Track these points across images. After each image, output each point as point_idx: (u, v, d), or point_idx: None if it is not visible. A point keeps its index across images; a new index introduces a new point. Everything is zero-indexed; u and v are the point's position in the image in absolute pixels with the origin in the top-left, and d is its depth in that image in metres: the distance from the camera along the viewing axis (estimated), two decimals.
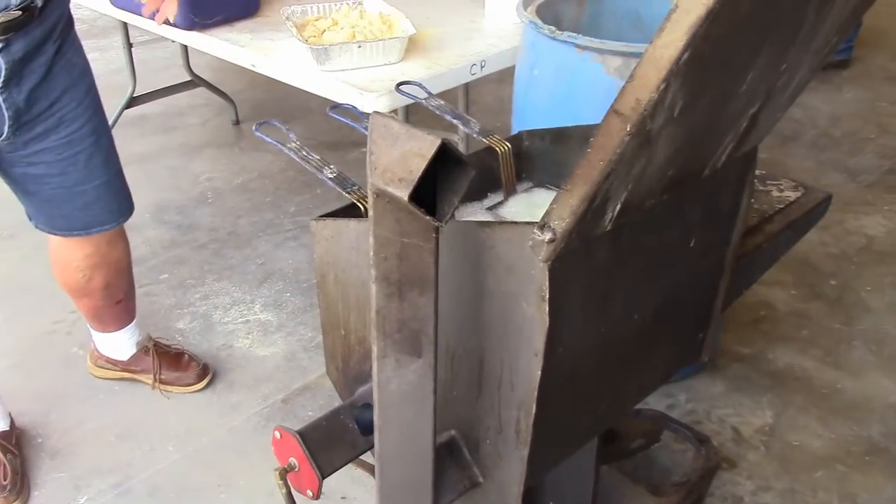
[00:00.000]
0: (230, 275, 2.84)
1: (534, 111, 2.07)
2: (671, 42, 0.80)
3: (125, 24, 3.40)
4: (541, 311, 1.04)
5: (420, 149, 0.88)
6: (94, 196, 1.92)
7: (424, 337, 1.06)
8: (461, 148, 2.53)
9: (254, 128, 1.46)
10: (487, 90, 3.87)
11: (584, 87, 1.91)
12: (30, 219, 1.98)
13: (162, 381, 2.30)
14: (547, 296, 1.03)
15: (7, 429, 2.10)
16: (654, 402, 2.20)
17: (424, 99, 1.61)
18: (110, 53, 4.49)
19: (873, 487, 2.00)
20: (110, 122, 3.45)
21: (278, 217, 3.18)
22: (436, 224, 0.92)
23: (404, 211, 0.94)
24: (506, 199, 1.53)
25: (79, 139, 1.85)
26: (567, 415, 1.25)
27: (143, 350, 2.31)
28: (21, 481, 2.02)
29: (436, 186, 0.92)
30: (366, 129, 0.94)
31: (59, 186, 1.87)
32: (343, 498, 1.98)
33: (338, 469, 1.33)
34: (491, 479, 1.26)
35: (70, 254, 2.02)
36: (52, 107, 1.78)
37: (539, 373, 1.09)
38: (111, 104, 3.47)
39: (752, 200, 1.63)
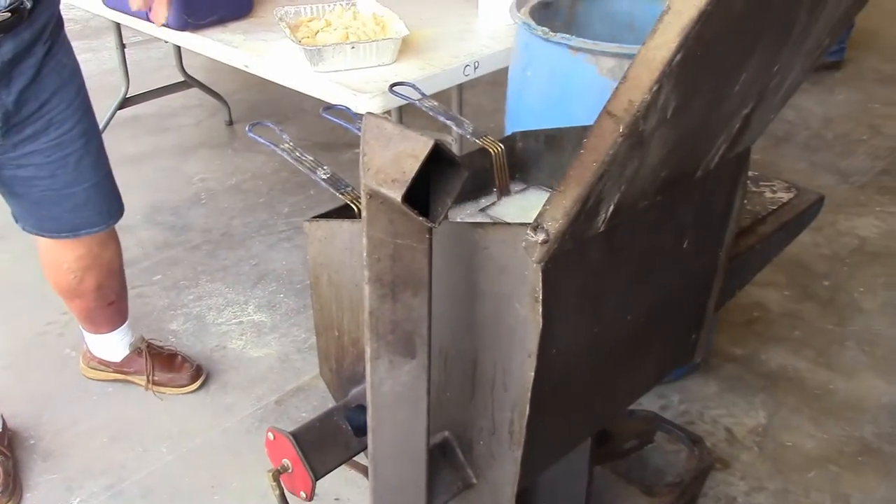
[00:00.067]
0: (224, 276, 2.84)
1: (527, 112, 2.07)
2: (664, 43, 0.81)
3: (118, 25, 3.39)
4: (534, 312, 1.04)
5: (413, 150, 0.88)
6: (83, 198, 1.91)
7: (418, 338, 1.06)
8: (455, 149, 2.53)
9: (247, 129, 1.46)
10: (481, 91, 3.87)
11: (578, 88, 1.91)
12: (16, 220, 1.97)
13: (155, 383, 2.29)
14: (540, 297, 1.03)
15: None
16: (648, 402, 2.20)
17: (418, 100, 1.61)
18: (103, 54, 4.48)
19: (866, 488, 2.01)
20: (103, 123, 3.46)
21: (272, 218, 3.17)
22: (429, 225, 0.92)
23: (397, 212, 0.94)
24: (499, 200, 1.53)
25: (69, 141, 1.84)
26: (560, 416, 1.25)
27: (135, 351, 2.30)
28: (13, 483, 2.01)
29: (429, 187, 0.92)
30: (359, 130, 0.94)
31: (49, 189, 1.86)
32: (337, 499, 1.98)
33: (331, 470, 1.33)
34: (484, 479, 1.26)
35: (61, 255, 2.02)
36: (42, 108, 1.78)
37: (532, 374, 1.09)
38: (104, 105, 3.48)
39: (745, 201, 1.64)
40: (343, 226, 1.30)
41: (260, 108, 4.07)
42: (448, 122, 1.57)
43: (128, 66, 3.60)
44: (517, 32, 2.09)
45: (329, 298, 1.39)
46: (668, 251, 1.29)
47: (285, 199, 3.29)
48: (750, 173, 1.44)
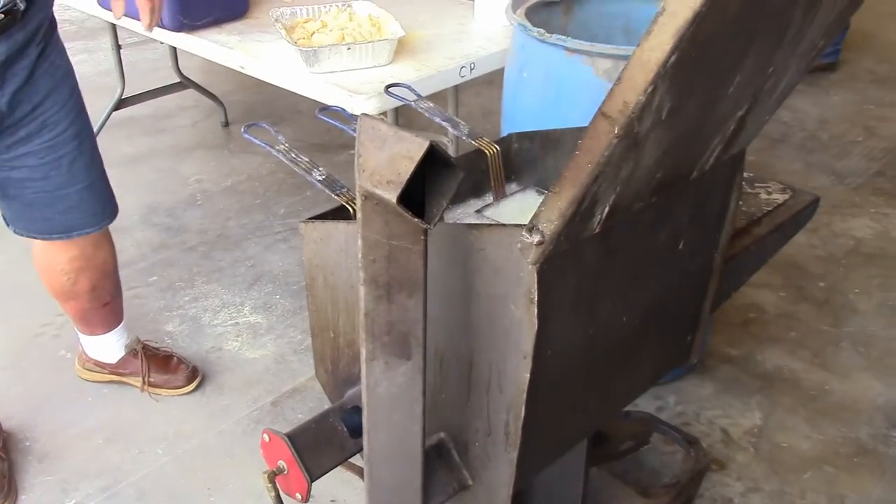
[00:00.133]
0: (219, 277, 2.83)
1: (523, 114, 2.07)
2: (658, 45, 0.81)
3: (114, 26, 3.39)
4: (529, 314, 1.05)
5: (408, 151, 0.88)
6: (76, 200, 1.91)
7: (413, 339, 1.06)
8: (450, 150, 2.53)
9: (242, 130, 1.46)
10: (477, 93, 3.87)
11: (574, 89, 1.91)
12: (7, 224, 1.96)
13: (150, 384, 2.29)
14: (535, 298, 1.03)
15: None
16: (644, 403, 2.20)
17: (414, 101, 1.61)
18: (99, 55, 4.48)
19: (861, 489, 2.01)
20: (99, 124, 3.46)
21: (268, 219, 3.17)
22: (424, 226, 0.92)
23: (393, 213, 0.94)
24: (495, 201, 1.54)
25: (62, 143, 1.83)
26: (556, 417, 1.26)
27: (131, 353, 2.29)
28: (8, 485, 2.01)
29: (424, 189, 0.92)
30: (355, 131, 0.94)
31: (42, 190, 1.86)
32: (332, 501, 1.97)
33: (327, 472, 1.33)
34: (480, 481, 1.26)
35: (54, 257, 2.01)
36: (35, 110, 1.77)
37: (527, 375, 1.09)
38: (100, 106, 3.48)
39: (741, 203, 1.64)
40: (338, 227, 1.30)
41: (256, 109, 4.07)
42: (444, 124, 1.57)
43: (123, 67, 3.59)
44: (513, 34, 2.09)
45: (325, 300, 1.39)
46: (663, 252, 1.29)
47: (281, 201, 3.29)
48: (745, 174, 1.44)
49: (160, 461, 2.12)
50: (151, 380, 2.29)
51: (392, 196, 0.88)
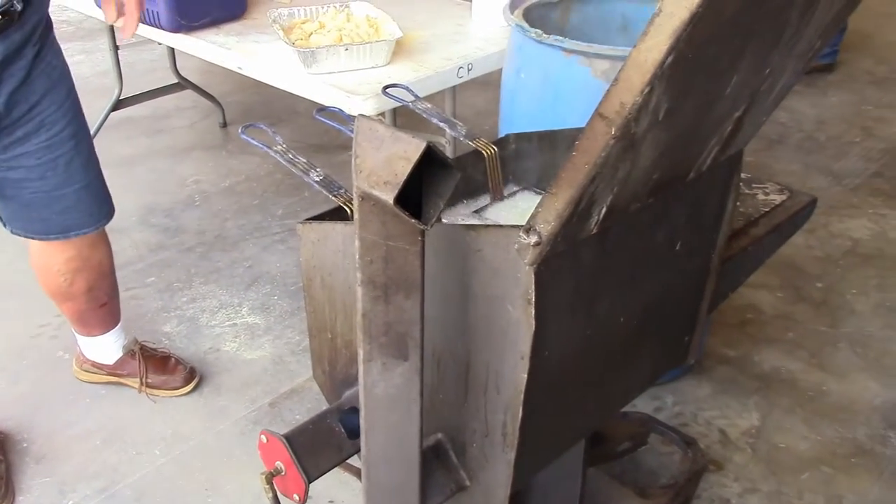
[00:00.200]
0: (217, 278, 2.83)
1: (521, 114, 2.08)
2: (655, 45, 0.81)
3: (111, 27, 3.39)
4: (526, 315, 1.05)
5: (405, 152, 0.88)
6: (73, 200, 1.91)
7: (410, 340, 1.06)
8: (448, 151, 2.53)
9: (240, 130, 1.46)
10: (474, 93, 3.87)
11: (571, 90, 1.91)
12: (4, 224, 1.96)
13: (148, 385, 2.29)
14: (533, 299, 1.03)
15: None
16: (641, 404, 2.20)
17: (411, 102, 1.61)
18: (96, 56, 4.47)
19: (859, 489, 2.01)
20: (97, 125, 3.46)
21: (266, 220, 3.17)
22: (421, 227, 0.92)
23: (390, 214, 0.94)
24: (492, 202, 1.54)
25: (59, 143, 1.83)
26: (553, 418, 1.26)
27: (128, 354, 2.29)
28: (6, 486, 2.01)
29: (421, 189, 0.92)
30: (352, 132, 0.94)
31: (39, 191, 1.86)
32: (330, 502, 1.97)
33: (324, 473, 1.33)
34: (478, 482, 1.26)
35: (51, 258, 2.01)
36: (32, 110, 1.77)
37: (525, 376, 1.09)
38: (97, 107, 3.48)
39: (738, 204, 1.64)
40: (336, 228, 1.30)
41: (254, 110, 4.07)
42: (441, 125, 1.57)
43: (121, 68, 3.59)
44: (511, 34, 2.09)
45: (322, 301, 1.39)
46: (660, 253, 1.30)
47: (279, 202, 3.29)
48: (742, 175, 1.44)
49: (158, 462, 2.12)
50: (149, 381, 2.29)
51: (389, 197, 0.88)
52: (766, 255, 1.80)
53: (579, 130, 0.90)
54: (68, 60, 1.90)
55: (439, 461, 1.27)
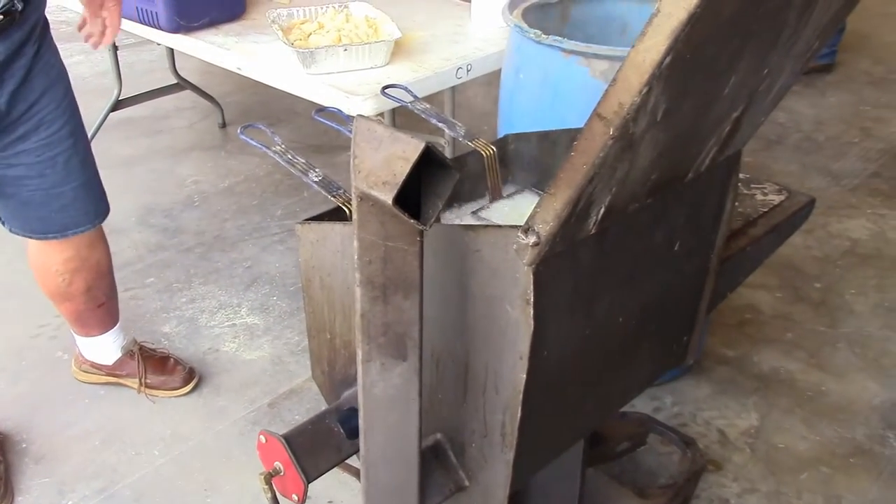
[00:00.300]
0: (216, 278, 2.83)
1: (520, 115, 2.08)
2: (653, 46, 0.81)
3: None
4: (525, 315, 1.05)
5: (404, 152, 0.88)
6: (71, 198, 1.91)
7: (409, 340, 1.06)
8: (447, 152, 2.54)
9: (239, 131, 1.46)
10: (473, 94, 3.87)
11: (570, 90, 1.91)
12: (3, 223, 1.97)
13: (147, 386, 2.29)
14: (531, 299, 1.03)
15: None
16: (640, 404, 2.21)
17: (410, 102, 1.61)
18: (95, 56, 4.47)
19: (858, 489, 2.01)
20: (96, 125, 3.46)
21: (265, 220, 3.17)
22: (420, 227, 0.92)
23: (388, 214, 0.94)
24: (491, 202, 1.54)
25: (57, 141, 1.84)
26: (552, 418, 1.26)
27: (128, 354, 2.29)
28: (5, 486, 2.01)
29: (420, 190, 0.92)
30: (351, 132, 0.94)
31: (38, 188, 1.86)
32: (330, 502, 1.97)
33: (323, 473, 1.33)
34: (476, 482, 1.26)
35: (49, 258, 2.01)
36: (32, 109, 1.78)
37: (524, 376, 1.09)
38: (97, 107, 3.48)
39: (736, 204, 1.64)
40: (335, 228, 1.30)
41: (253, 110, 4.07)
42: (440, 125, 1.57)
43: (120, 69, 3.59)
44: (510, 35, 2.09)
45: (321, 301, 1.39)
46: (659, 253, 1.30)
47: (278, 202, 3.29)
48: (741, 176, 1.44)
49: (157, 462, 2.12)
50: (148, 381, 2.29)
51: (388, 197, 0.88)
52: (764, 255, 1.81)
53: (578, 131, 0.90)
54: (67, 61, 1.91)
55: (438, 461, 1.27)
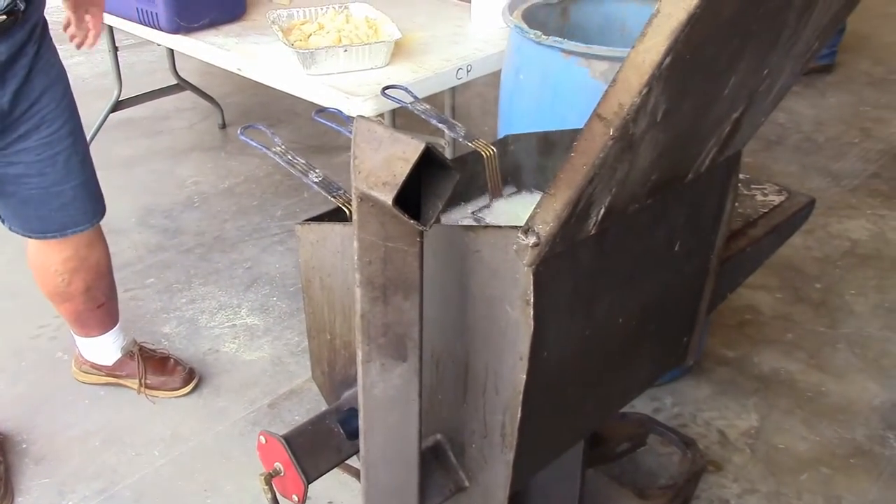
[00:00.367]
0: (217, 279, 2.83)
1: (520, 115, 2.08)
2: (653, 46, 0.81)
3: (110, 28, 3.38)
4: (525, 315, 1.05)
5: (404, 153, 0.88)
6: (70, 197, 1.92)
7: (409, 341, 1.06)
8: (447, 152, 2.54)
9: (239, 132, 1.46)
10: (473, 94, 3.87)
11: (570, 91, 1.91)
12: (3, 221, 1.97)
13: (147, 386, 2.29)
14: (531, 300, 1.03)
15: None
16: (640, 405, 2.20)
17: (410, 103, 1.61)
18: (96, 57, 4.47)
19: (858, 490, 2.01)
20: (96, 126, 3.46)
21: (265, 221, 3.17)
22: (420, 228, 0.92)
23: (388, 215, 0.94)
24: (491, 203, 1.54)
25: (57, 140, 1.85)
26: (552, 419, 1.26)
27: (127, 355, 2.29)
28: (5, 487, 2.01)
29: (420, 190, 0.92)
30: (351, 133, 0.94)
31: (38, 187, 1.87)
32: (330, 502, 1.97)
33: (323, 474, 1.33)
34: (476, 483, 1.26)
35: (48, 258, 2.02)
36: (33, 107, 1.79)
37: (524, 377, 1.09)
38: (97, 108, 3.48)
39: (737, 204, 1.64)
40: (335, 229, 1.30)
41: (253, 111, 4.07)
42: (440, 126, 1.57)
43: (120, 69, 3.59)
44: (509, 36, 2.09)
45: (321, 302, 1.39)
46: (659, 254, 1.30)
47: (278, 203, 3.29)
48: (741, 176, 1.44)
49: (157, 463, 2.12)
50: (148, 382, 2.29)
51: (388, 198, 0.88)
52: (764, 255, 1.81)
53: (578, 131, 0.90)
54: (68, 62, 1.92)
55: (438, 462, 1.27)
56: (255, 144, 1.43)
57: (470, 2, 2.62)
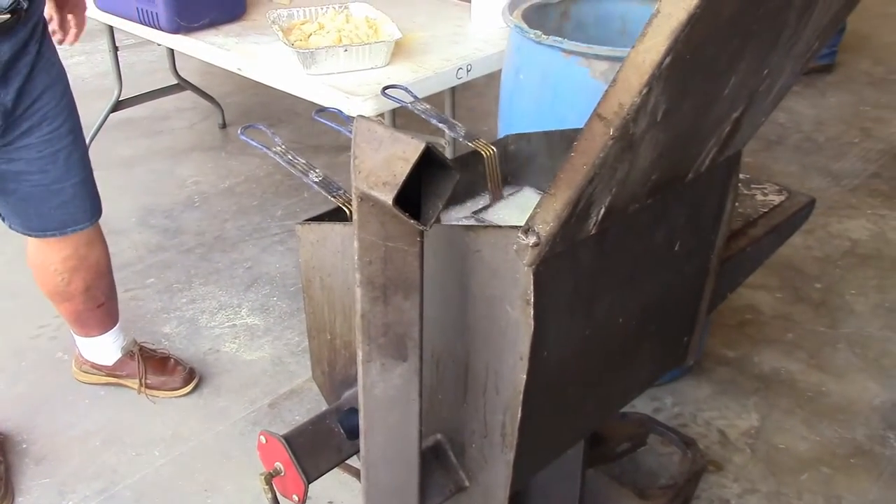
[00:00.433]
0: (217, 279, 2.83)
1: (520, 115, 2.08)
2: (653, 46, 0.81)
3: (111, 28, 3.38)
4: (525, 315, 1.05)
5: (404, 152, 0.88)
6: (70, 194, 1.92)
7: (409, 341, 1.06)
8: (447, 152, 2.54)
9: (239, 131, 1.46)
10: (474, 94, 3.87)
11: (570, 91, 1.91)
12: (3, 219, 1.98)
13: (147, 386, 2.29)
14: (531, 299, 1.03)
15: None
16: (641, 405, 2.20)
17: (410, 103, 1.61)
18: (96, 57, 4.48)
19: (858, 490, 2.01)
20: (96, 126, 3.46)
21: (265, 221, 3.17)
22: (420, 228, 0.92)
23: (389, 215, 0.94)
24: (491, 203, 1.54)
25: (58, 137, 1.86)
26: (552, 418, 1.26)
27: (128, 354, 2.29)
28: (5, 487, 2.01)
29: (420, 190, 0.92)
30: (351, 132, 0.94)
31: (38, 184, 1.88)
32: (330, 502, 1.97)
33: (323, 474, 1.33)
34: (477, 483, 1.26)
35: (48, 257, 2.02)
36: (34, 105, 1.81)
37: (524, 377, 1.09)
38: (97, 107, 3.48)
39: (737, 204, 1.64)
40: (335, 229, 1.30)
41: (253, 111, 4.07)
42: (440, 125, 1.57)
43: (121, 69, 3.59)
44: (510, 35, 2.09)
45: (321, 301, 1.39)
46: (659, 254, 1.30)
47: (279, 203, 3.29)
48: (741, 176, 1.44)
49: (157, 463, 2.12)
50: (148, 382, 2.29)
51: (388, 197, 0.88)
52: (764, 255, 1.81)
53: (578, 131, 0.90)
54: (68, 61, 1.92)
55: (438, 462, 1.27)
56: (255, 144, 1.43)
57: (470, 2, 2.62)
